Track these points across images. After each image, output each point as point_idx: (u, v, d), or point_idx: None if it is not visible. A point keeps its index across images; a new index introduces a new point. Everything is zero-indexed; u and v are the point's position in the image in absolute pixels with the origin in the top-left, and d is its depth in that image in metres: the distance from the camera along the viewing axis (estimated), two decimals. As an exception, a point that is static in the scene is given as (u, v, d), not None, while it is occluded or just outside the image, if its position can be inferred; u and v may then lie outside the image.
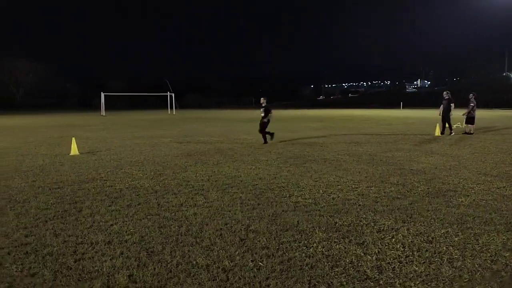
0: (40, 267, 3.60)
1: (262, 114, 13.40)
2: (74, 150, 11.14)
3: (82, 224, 4.78)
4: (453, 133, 15.96)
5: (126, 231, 4.53)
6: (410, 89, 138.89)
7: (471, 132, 16.34)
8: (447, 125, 16.26)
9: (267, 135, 13.51)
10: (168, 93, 55.88)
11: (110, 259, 3.75)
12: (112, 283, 3.29)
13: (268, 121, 13.40)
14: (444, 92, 16.82)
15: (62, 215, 5.16)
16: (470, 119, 16.33)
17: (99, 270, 3.53)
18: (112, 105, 75.98)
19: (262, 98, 13.71)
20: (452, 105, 16.22)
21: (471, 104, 16.17)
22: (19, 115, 45.73)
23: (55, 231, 4.55)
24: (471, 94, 16.67)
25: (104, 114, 45.87)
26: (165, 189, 6.61)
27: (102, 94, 49.61)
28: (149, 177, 7.69)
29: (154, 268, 3.55)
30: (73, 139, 11.68)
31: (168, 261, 3.70)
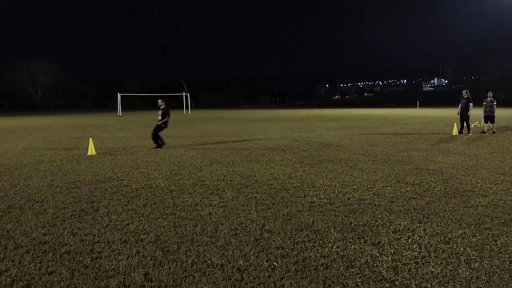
0: (57, 265, 3.67)
1: (160, 117, 12.67)
2: (91, 150, 11.32)
3: (99, 223, 4.86)
4: (471, 133, 15.67)
5: (142, 230, 4.58)
6: (426, 88, 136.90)
7: (494, 131, 16.02)
8: (465, 124, 15.97)
9: (159, 140, 12.68)
10: (184, 93, 56.26)
11: (126, 258, 3.80)
12: (128, 281, 3.34)
13: (165, 125, 12.72)
14: (463, 91, 16.53)
15: (79, 214, 5.24)
16: (490, 118, 16.02)
17: (116, 268, 3.58)
18: (129, 105, 76.90)
19: (160, 100, 13.04)
20: (471, 104, 15.93)
21: (493, 103, 15.91)
22: (38, 116, 46.66)
23: (72, 230, 4.63)
24: (489, 93, 16.37)
25: (120, 115, 46.46)
26: (180, 189, 6.66)
27: (119, 95, 50.23)
28: (164, 177, 7.76)
29: (170, 267, 3.58)
30: (90, 139, 11.86)
31: (183, 261, 3.73)
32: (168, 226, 4.72)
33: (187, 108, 54.83)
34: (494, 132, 15.94)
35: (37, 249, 4.06)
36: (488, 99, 16.16)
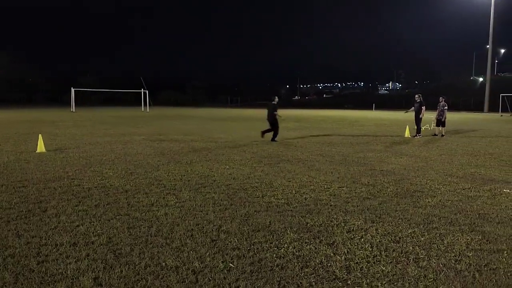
0: (0, 269, 3.45)
1: None
2: (41, 147, 10.79)
3: (46, 225, 4.63)
4: (420, 136, 16.37)
5: (93, 232, 4.41)
6: (382, 91, 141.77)
7: (443, 134, 16.84)
8: (415, 127, 16.68)
9: None
10: (142, 90, 54.97)
11: (75, 261, 3.64)
12: (76, 286, 3.20)
13: None
14: (416, 95, 17.23)
15: (25, 215, 4.97)
16: (440, 122, 16.84)
17: (63, 272, 3.42)
18: (84, 101, 74.08)
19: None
20: (423, 108, 16.65)
21: (444, 108, 16.77)
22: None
23: (18, 232, 4.39)
24: (441, 97, 17.22)
25: (74, 110, 44.68)
26: (136, 189, 6.49)
27: (72, 90, 48.27)
28: (119, 176, 7.53)
29: (121, 271, 3.47)
30: (40, 135, 11.30)
31: (136, 263, 3.62)
32: (121, 228, 4.58)
33: (145, 105, 53.62)
34: (443, 135, 16.75)
35: (-23, 253, 3.81)
36: (441, 103, 17.00)
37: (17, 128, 19.27)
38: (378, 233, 4.51)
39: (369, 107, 73.27)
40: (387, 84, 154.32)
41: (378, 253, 3.95)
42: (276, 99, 14.66)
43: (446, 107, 17.02)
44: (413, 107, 16.97)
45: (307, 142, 14.01)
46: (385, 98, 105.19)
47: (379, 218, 5.08)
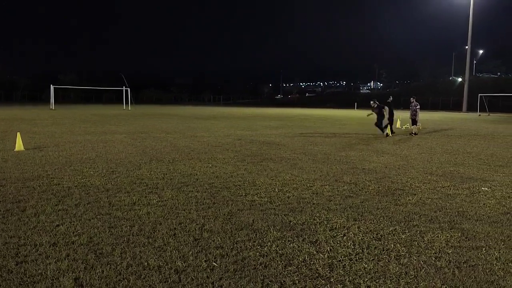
0: (-24, 271, 3.36)
1: None
2: (19, 145, 10.54)
3: (25, 225, 4.52)
4: (384, 134, 16.75)
5: (73, 232, 4.33)
6: (364, 90, 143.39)
7: (416, 133, 17.19)
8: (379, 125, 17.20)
9: None
10: (124, 88, 54.24)
11: (55, 262, 3.57)
12: (56, 287, 3.13)
13: None
14: (371, 101, 17.63)
15: (3, 215, 4.85)
16: (413, 121, 17.28)
17: (43, 273, 3.35)
18: (65, 99, 72.71)
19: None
20: (385, 109, 17.08)
21: (416, 107, 17.18)
22: (-41, 107, 42.70)
23: (-5, 232, 4.27)
24: (412, 98, 17.67)
25: (53, 108, 43.78)
26: (117, 188, 6.40)
27: (52, 87, 47.29)
28: (100, 174, 7.41)
29: (103, 271, 3.42)
30: (18, 134, 11.03)
31: (118, 263, 3.58)
32: (102, 227, 4.51)
33: (127, 103, 52.93)
34: (415, 134, 17.08)
35: (-49, 254, 3.69)
36: (412, 103, 17.42)
37: (-6, 125, 18.76)
38: (360, 231, 4.56)
39: (351, 106, 74.03)
40: (368, 84, 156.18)
41: (360, 250, 4.00)
42: (391, 98, 17.82)
43: (418, 107, 17.47)
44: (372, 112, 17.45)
45: (290, 140, 14.07)
46: (367, 97, 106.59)
47: (361, 216, 5.13)
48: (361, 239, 4.32)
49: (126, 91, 53.47)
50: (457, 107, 63.67)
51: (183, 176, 7.43)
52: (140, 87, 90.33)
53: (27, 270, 3.40)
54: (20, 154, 9.82)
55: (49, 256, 3.69)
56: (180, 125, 21.31)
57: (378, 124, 17.00)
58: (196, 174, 7.59)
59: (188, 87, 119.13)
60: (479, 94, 51.63)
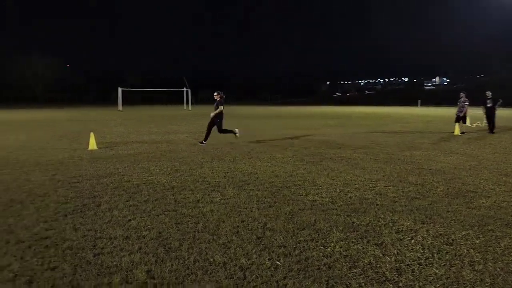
0: (60, 261, 3.65)
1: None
2: (92, 144, 11.30)
3: (100, 219, 4.84)
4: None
5: (143, 227, 4.57)
6: (428, 86, 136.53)
7: (463, 132, 16.03)
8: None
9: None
10: (185, 89, 56.18)
11: (129, 254, 3.78)
12: (130, 278, 3.32)
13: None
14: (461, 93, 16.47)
15: (81, 209, 5.23)
16: (457, 118, 16.15)
17: (118, 265, 3.57)
18: (128, 100, 76.82)
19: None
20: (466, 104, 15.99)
21: (463, 103, 15.96)
22: (38, 110, 46.62)
23: (74, 225, 4.62)
24: (461, 93, 16.27)
25: (121, 109, 46.40)
26: (181, 185, 6.65)
27: (119, 89, 50.16)
28: (165, 172, 7.74)
29: (172, 265, 3.57)
30: (92, 134, 11.83)
31: (186, 258, 3.72)
32: (170, 223, 4.71)
33: (187, 103, 54.77)
34: (463, 133, 15.88)
35: (39, 244, 4.05)
36: (461, 99, 16.12)
37: (70, 126, 20.29)
38: (429, 235, 4.36)
39: (414, 103, 70.92)
40: (433, 79, 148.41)
41: (430, 255, 3.82)
42: (489, 93, 16.65)
43: (467, 103, 16.10)
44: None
45: (350, 139, 13.76)
46: (432, 94, 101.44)
47: (430, 219, 4.90)
48: (431, 243, 4.12)
49: (187, 92, 55.35)
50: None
51: (244, 174, 7.55)
52: (199, 88, 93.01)
53: (104, 262, 3.64)
54: (93, 152, 10.52)
55: (123, 249, 3.92)
56: (238, 124, 21.63)
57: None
58: (256, 173, 7.68)
59: (245, 87, 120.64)
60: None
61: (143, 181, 6.98)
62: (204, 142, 12.13)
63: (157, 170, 7.96)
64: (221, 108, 12.00)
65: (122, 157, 9.74)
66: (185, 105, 55.53)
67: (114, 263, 3.61)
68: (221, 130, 12.24)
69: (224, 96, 12.35)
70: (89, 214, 5.03)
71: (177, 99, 66.05)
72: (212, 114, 12.12)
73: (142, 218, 4.89)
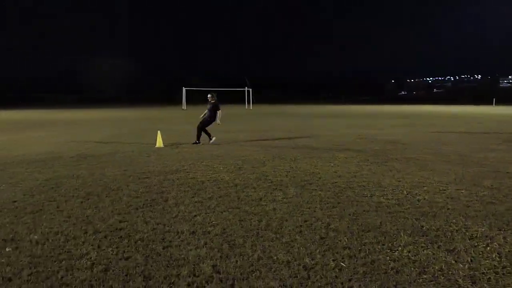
0: (133, 251, 3.88)
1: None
2: (159, 142, 11.84)
3: (168, 213, 5.07)
4: None
5: (208, 223, 4.71)
6: (504, 84, 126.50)
7: None
8: None
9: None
10: (246, 88, 57.03)
11: (195, 249, 3.92)
12: (198, 271, 3.44)
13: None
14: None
15: (150, 204, 5.51)
16: None
17: (185, 258, 3.71)
18: (192, 100, 79.52)
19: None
20: None
21: None
22: (109, 109, 49.78)
23: (145, 218, 4.87)
24: None
25: (185, 108, 48.16)
26: (244, 183, 6.75)
27: (184, 89, 52.10)
28: (229, 170, 7.91)
29: (236, 261, 3.64)
30: (159, 132, 12.40)
31: (250, 255, 3.77)
32: (233, 220, 4.80)
33: (249, 103, 55.54)
34: None
35: (113, 234, 4.33)
36: None
37: (138, 125, 21.44)
38: (506, 242, 4.05)
39: (488, 102, 66.13)
40: (510, 76, 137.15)
41: (508, 264, 3.54)
42: None
43: None
44: None
45: (417, 139, 13.15)
46: (509, 92, 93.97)
47: (507, 225, 4.55)
48: (508, 251, 3.83)
49: (248, 91, 56.14)
50: None
51: (306, 174, 7.50)
52: (260, 87, 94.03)
53: (172, 254, 3.80)
54: (160, 150, 11.03)
55: (190, 243, 4.07)
56: (299, 123, 21.57)
57: None
58: (319, 173, 7.60)
59: (307, 87, 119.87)
60: None
61: (207, 178, 7.19)
62: (205, 140, 12.42)
63: (221, 168, 8.16)
64: (220, 111, 12.51)
65: (187, 154, 10.10)
66: (246, 104, 56.34)
67: (182, 256, 3.76)
68: (202, 129, 12.49)
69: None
70: (158, 209, 5.28)
71: (238, 99, 67.17)
72: (219, 122, 12.64)
73: (207, 214, 5.04)
